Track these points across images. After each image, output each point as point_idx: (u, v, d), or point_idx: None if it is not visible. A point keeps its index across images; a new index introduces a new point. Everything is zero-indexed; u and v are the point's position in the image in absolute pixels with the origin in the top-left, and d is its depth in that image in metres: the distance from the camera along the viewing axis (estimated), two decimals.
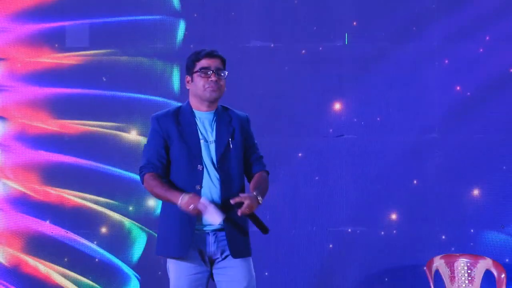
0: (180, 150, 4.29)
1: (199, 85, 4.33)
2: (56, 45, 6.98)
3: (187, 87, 4.42)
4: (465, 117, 6.91)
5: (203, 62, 4.34)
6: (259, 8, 6.94)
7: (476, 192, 6.88)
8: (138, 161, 6.74)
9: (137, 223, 6.95)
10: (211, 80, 4.32)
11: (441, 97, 6.93)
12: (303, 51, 6.97)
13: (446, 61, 6.91)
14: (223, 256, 4.33)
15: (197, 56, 4.35)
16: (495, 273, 6.50)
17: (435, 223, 6.91)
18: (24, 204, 6.96)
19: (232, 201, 4.21)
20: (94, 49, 6.98)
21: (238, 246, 4.33)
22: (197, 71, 4.33)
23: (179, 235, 4.25)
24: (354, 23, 6.96)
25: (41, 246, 6.97)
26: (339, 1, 6.96)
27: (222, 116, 4.43)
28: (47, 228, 6.93)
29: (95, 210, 6.95)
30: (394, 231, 6.92)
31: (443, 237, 6.88)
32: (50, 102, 6.98)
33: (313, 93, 6.96)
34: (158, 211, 6.86)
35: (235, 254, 4.32)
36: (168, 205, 4.28)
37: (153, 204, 6.93)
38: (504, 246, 6.87)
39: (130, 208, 6.94)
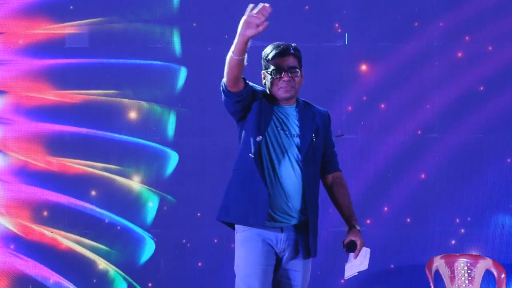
0: (253, 129, 4.19)
1: (272, 84, 4.26)
2: (58, 82, 6.97)
3: (263, 83, 4.35)
4: (465, 117, 6.91)
5: (275, 62, 4.27)
6: None
7: (476, 192, 6.88)
8: (143, 126, 6.89)
9: (147, 187, 6.93)
10: (284, 81, 4.23)
11: (441, 97, 6.93)
12: (303, 51, 6.96)
13: (446, 61, 6.92)
14: (289, 256, 4.22)
15: (269, 55, 4.29)
16: (495, 273, 6.49)
17: (435, 223, 6.91)
18: (27, 174, 6.93)
19: (345, 242, 4.24)
20: (96, 89, 6.97)
21: (309, 248, 4.26)
22: (269, 71, 4.27)
23: (257, 204, 4.11)
24: (354, 23, 6.96)
25: (48, 215, 6.94)
26: (339, 1, 6.96)
27: (305, 112, 4.32)
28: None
29: (104, 176, 6.93)
30: (394, 231, 6.92)
31: (443, 237, 6.88)
32: (49, 139, 6.94)
33: (313, 93, 6.96)
34: (168, 172, 6.91)
35: (305, 255, 4.25)
36: (241, 175, 4.18)
37: (163, 168, 6.93)
38: (504, 246, 6.87)
39: (139, 173, 6.92)
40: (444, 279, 6.53)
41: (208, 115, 6.95)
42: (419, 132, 6.92)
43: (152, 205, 6.92)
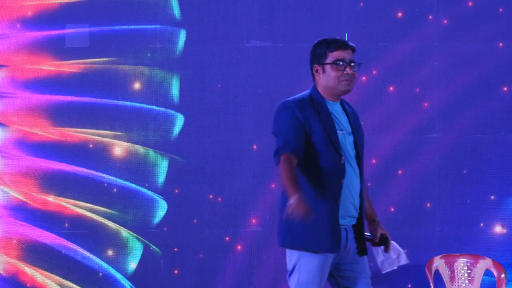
0: (323, 140, 4.08)
1: (332, 77, 4.17)
2: (57, 52, 6.96)
3: (316, 77, 4.25)
4: (465, 117, 6.91)
5: (337, 54, 4.19)
6: (259, 8, 6.94)
7: (476, 192, 6.88)
8: (135, 170, 6.90)
9: (133, 233, 6.93)
10: (346, 73, 4.17)
11: (441, 96, 6.93)
12: (303, 51, 6.97)
13: (446, 61, 6.92)
14: (353, 252, 4.20)
15: (330, 46, 4.19)
16: (495, 273, 6.49)
17: (435, 223, 6.91)
18: (22, 211, 6.93)
19: (377, 236, 4.24)
20: (94, 57, 6.96)
21: (364, 245, 4.24)
22: (330, 63, 4.18)
23: (330, 229, 4.05)
24: (354, 23, 6.96)
25: (38, 254, 6.93)
26: (339, 1, 6.96)
27: (348, 108, 4.30)
28: (45, 236, 6.91)
29: (92, 219, 6.93)
30: (394, 231, 6.91)
31: (443, 237, 6.88)
32: (49, 110, 6.95)
33: None
34: (155, 221, 6.91)
35: (362, 252, 4.23)
36: (313, 199, 4.02)
37: (150, 214, 6.93)
38: (504, 246, 6.87)
39: (127, 218, 6.92)
40: (444, 279, 6.53)
41: (208, 115, 6.96)
42: (419, 132, 6.92)
43: (162, 167, 6.91)
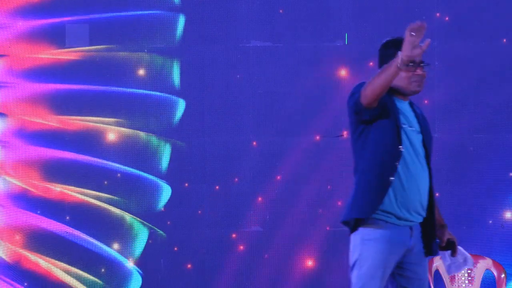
0: (389, 125, 4.06)
1: (402, 78, 4.15)
2: (56, 42, 6.96)
3: None
4: (465, 117, 6.91)
5: None
6: (259, 8, 6.94)
7: (475, 192, 6.88)
8: (138, 156, 6.90)
9: (138, 218, 6.94)
10: (418, 74, 4.17)
11: (441, 96, 6.93)
12: (303, 51, 6.97)
13: (446, 61, 6.92)
14: (416, 252, 4.16)
15: (400, 47, 4.05)
16: (495, 273, 6.49)
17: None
18: (24, 200, 6.94)
19: (444, 240, 4.24)
20: (94, 45, 6.96)
21: (432, 244, 4.21)
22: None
23: (397, 197, 4.02)
24: (354, 23, 6.96)
25: (42, 242, 6.94)
26: (339, 1, 6.96)
27: (417, 110, 4.29)
28: (48, 224, 6.92)
29: (96, 206, 6.94)
30: None
31: None
32: (49, 98, 6.95)
33: (313, 93, 6.96)
34: (159, 206, 6.91)
35: (429, 252, 4.20)
36: (375, 176, 4.03)
37: (154, 199, 6.93)
38: (504, 246, 6.87)
39: (131, 204, 6.93)
40: (444, 279, 6.53)
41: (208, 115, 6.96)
42: None
43: (164, 154, 6.92)
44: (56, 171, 6.94)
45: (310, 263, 6.95)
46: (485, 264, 6.53)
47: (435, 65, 6.94)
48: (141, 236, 6.95)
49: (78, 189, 6.94)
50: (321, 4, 6.96)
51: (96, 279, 6.92)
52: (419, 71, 4.17)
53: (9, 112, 6.95)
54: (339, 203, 6.87)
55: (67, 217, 6.92)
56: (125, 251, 6.94)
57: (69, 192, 6.93)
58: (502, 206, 6.89)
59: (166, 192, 6.95)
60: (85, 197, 6.93)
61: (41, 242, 6.93)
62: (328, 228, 6.89)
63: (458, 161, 6.91)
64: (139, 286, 6.90)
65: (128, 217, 6.94)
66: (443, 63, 6.92)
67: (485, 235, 6.89)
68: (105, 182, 6.91)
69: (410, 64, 4.08)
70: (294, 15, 6.97)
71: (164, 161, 6.93)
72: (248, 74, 6.97)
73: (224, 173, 6.97)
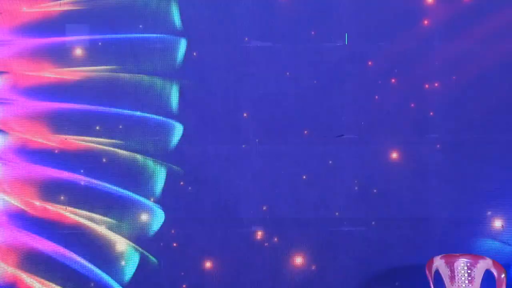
0: None
1: None
2: (58, 61, 6.96)
3: None
4: (465, 117, 6.91)
5: None
6: (259, 8, 6.94)
7: (476, 192, 6.88)
8: (134, 178, 6.90)
9: (131, 242, 6.93)
10: None
11: (441, 96, 6.93)
12: (303, 51, 6.97)
13: (446, 61, 6.92)
14: None
15: None
16: (495, 273, 6.50)
17: (435, 223, 6.91)
18: (21, 219, 6.92)
19: None
20: (95, 65, 6.96)
21: None
22: None
23: None
24: (354, 23, 6.96)
25: (36, 262, 6.93)
26: (339, 1, 6.96)
27: None
28: (43, 244, 6.90)
29: (90, 228, 6.93)
30: (394, 231, 6.92)
31: (443, 237, 6.88)
32: (49, 117, 6.94)
33: (313, 93, 6.97)
34: (152, 229, 6.91)
35: None
36: None
37: (147, 222, 6.93)
38: (504, 246, 6.87)
39: (124, 227, 6.93)
40: (444, 279, 6.53)
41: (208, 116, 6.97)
42: (419, 132, 6.92)
43: (159, 178, 6.92)
44: (53, 191, 6.92)
45: (310, 263, 6.95)
46: (485, 264, 6.53)
47: (435, 65, 6.94)
48: (132, 259, 6.95)
49: (72, 209, 6.94)
50: (321, 4, 6.96)
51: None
52: None
53: (8, 129, 6.93)
54: (339, 203, 6.87)
55: (62, 237, 6.91)
56: (116, 274, 6.94)
57: (65, 213, 6.92)
58: (502, 206, 6.89)
59: (160, 217, 6.98)
60: (80, 218, 6.92)
61: (36, 262, 6.91)
62: (328, 228, 6.89)
63: (458, 161, 6.91)
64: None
65: (121, 239, 6.93)
66: (443, 63, 6.93)
67: (485, 235, 6.89)
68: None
69: None
70: (294, 15, 6.97)
71: (159, 187, 6.96)
72: (248, 74, 6.97)
73: (224, 174, 6.97)
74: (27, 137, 6.93)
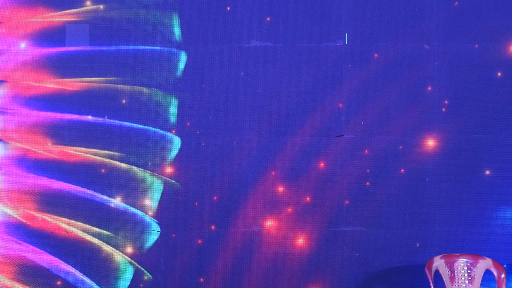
0: None
1: None
2: (58, 71, 6.95)
3: None
4: (465, 117, 6.91)
5: None
6: (259, 8, 6.95)
7: (475, 192, 6.88)
8: (131, 191, 6.89)
9: (126, 256, 6.94)
10: None
11: (441, 96, 6.93)
12: (303, 51, 6.97)
13: (446, 61, 6.92)
14: None
15: None
16: (495, 273, 6.50)
17: (435, 223, 6.91)
18: (18, 230, 6.92)
19: None
20: (95, 76, 6.96)
21: None
22: None
23: None
24: (354, 23, 6.96)
25: (32, 274, 6.92)
26: (339, 1, 6.96)
27: None
28: (40, 256, 6.90)
29: (86, 240, 6.93)
30: (394, 231, 6.92)
31: (443, 237, 6.88)
32: (49, 127, 6.94)
33: (313, 93, 6.97)
34: (148, 244, 6.91)
35: None
36: None
37: (143, 237, 6.94)
38: (504, 246, 6.87)
39: (120, 240, 6.93)
40: (444, 279, 6.53)
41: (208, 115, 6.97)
42: (419, 132, 6.92)
43: (156, 191, 6.92)
44: (50, 202, 6.91)
45: (309, 263, 6.95)
46: (485, 264, 6.53)
47: (435, 65, 6.95)
48: (127, 273, 6.95)
49: (66, 219, 6.94)
50: (321, 4, 6.96)
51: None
52: None
53: (8, 139, 6.92)
54: (339, 203, 6.87)
55: (59, 249, 6.91)
56: (111, 287, 6.94)
57: (62, 224, 6.91)
58: (502, 206, 6.89)
59: (156, 231, 6.98)
60: (74, 229, 6.92)
61: (32, 274, 6.91)
62: (328, 228, 6.89)
63: (458, 161, 6.92)
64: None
65: (117, 254, 6.94)
66: (443, 63, 6.93)
67: (485, 235, 6.89)
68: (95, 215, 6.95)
69: None
70: (294, 15, 6.97)
71: (155, 200, 6.96)
72: (248, 74, 6.98)
73: (223, 174, 6.97)
74: (26, 147, 6.92)
